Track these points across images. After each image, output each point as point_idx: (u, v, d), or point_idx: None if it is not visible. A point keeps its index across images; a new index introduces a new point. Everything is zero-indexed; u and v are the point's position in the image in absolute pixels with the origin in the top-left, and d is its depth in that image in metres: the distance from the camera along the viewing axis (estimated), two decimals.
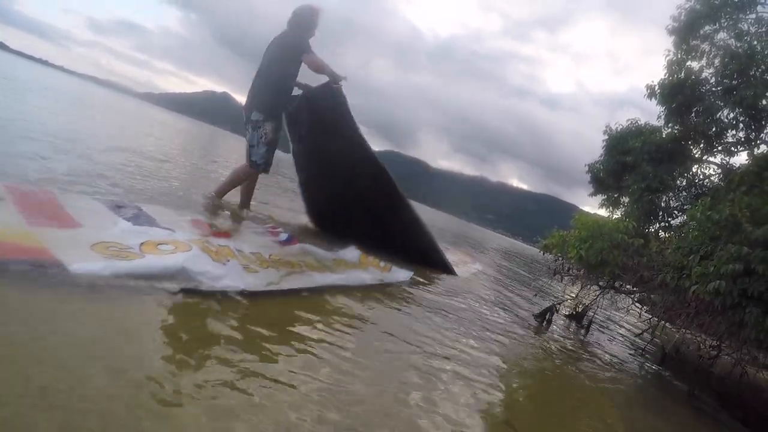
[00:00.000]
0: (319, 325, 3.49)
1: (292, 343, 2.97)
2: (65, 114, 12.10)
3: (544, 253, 7.41)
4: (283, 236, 6.47)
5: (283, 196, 10.02)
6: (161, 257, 3.51)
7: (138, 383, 1.81)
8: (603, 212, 10.58)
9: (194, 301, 3.08)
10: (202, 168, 11.04)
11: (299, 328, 3.31)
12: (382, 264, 6.24)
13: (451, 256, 9.05)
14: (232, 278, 3.66)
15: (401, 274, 6.44)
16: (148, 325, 2.51)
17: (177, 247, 3.71)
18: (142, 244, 3.69)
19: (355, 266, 6.19)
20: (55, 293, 2.44)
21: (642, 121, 10.42)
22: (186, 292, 3.13)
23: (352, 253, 6.70)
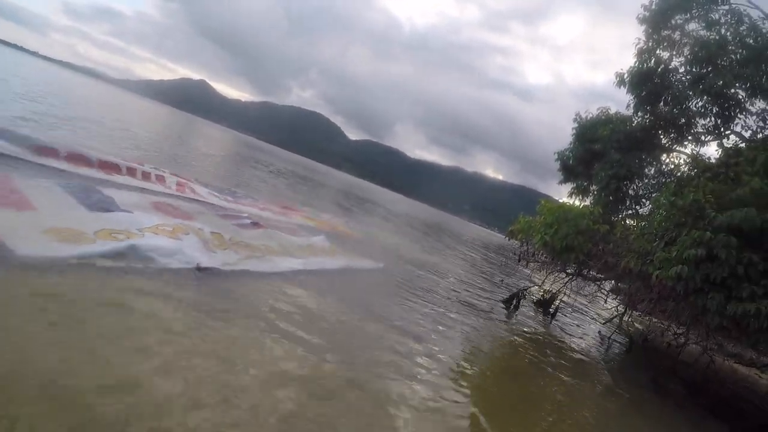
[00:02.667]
0: (285, 305, 3.53)
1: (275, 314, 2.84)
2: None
3: (509, 239, 7.29)
4: (246, 221, 6.36)
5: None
6: (111, 241, 3.49)
7: None
8: (573, 201, 10.52)
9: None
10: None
11: (274, 311, 3.21)
12: (351, 254, 6.30)
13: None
14: (186, 254, 3.63)
15: (371, 264, 6.53)
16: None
17: (129, 237, 3.66)
18: (96, 231, 3.62)
19: (323, 254, 6.24)
20: None
21: (613, 111, 10.38)
22: (137, 269, 3.17)
23: (322, 242, 6.68)
